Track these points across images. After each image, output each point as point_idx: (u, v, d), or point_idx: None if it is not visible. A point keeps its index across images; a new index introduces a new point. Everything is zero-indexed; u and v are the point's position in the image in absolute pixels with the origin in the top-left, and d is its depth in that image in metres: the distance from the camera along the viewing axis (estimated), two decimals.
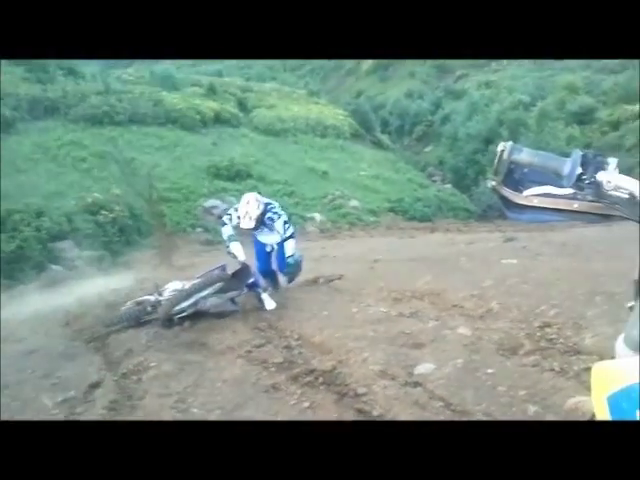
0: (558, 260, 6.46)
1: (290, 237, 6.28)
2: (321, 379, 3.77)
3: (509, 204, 1.92)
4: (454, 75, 48.66)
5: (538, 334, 4.05)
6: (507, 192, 1.91)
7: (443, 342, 4.20)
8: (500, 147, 1.84)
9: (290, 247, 6.23)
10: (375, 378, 3.60)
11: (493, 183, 1.86)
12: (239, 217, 5.91)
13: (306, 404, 3.40)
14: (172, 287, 5.94)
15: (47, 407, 3.89)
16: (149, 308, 5.86)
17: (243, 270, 5.93)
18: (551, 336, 3.97)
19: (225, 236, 6.03)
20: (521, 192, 1.91)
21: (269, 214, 6.07)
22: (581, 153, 1.65)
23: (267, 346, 4.72)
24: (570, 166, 1.66)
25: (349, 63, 58.96)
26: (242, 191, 21.71)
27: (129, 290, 9.33)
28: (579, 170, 1.61)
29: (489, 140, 27.64)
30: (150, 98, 29.25)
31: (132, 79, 36.13)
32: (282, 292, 6.72)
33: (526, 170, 1.92)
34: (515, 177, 1.93)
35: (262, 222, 6.04)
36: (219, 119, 29.90)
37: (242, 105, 33.72)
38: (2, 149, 21.16)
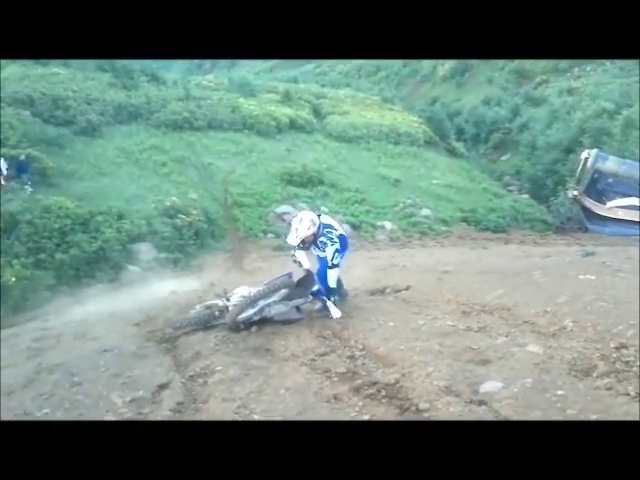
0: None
1: (335, 266, 6.18)
2: (383, 392, 3.72)
3: (591, 215, 1.82)
4: (534, 81, 47.33)
5: (614, 355, 3.84)
6: (589, 202, 1.81)
7: (512, 360, 4.05)
8: (584, 154, 1.75)
9: (331, 277, 6.16)
10: (439, 394, 3.51)
11: (575, 192, 1.77)
12: (291, 233, 6.05)
13: (366, 417, 3.36)
14: (240, 292, 6.03)
15: (116, 405, 4.02)
16: (217, 312, 5.97)
17: (307, 278, 5.98)
18: (628, 358, 3.75)
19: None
20: (604, 203, 1.80)
21: (323, 238, 6.06)
22: None
23: (331, 355, 4.71)
24: None
25: (425, 69, 58.41)
26: (314, 198, 22.11)
27: (202, 293, 9.57)
28: None
29: (570, 149, 26.74)
30: (228, 104, 30.06)
31: (211, 85, 37.19)
32: (348, 301, 6.70)
33: (611, 180, 1.81)
34: (598, 187, 1.82)
35: (314, 243, 6.09)
36: (293, 125, 30.31)
37: (316, 111, 34.06)
38: (88, 153, 22.23)
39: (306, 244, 6.07)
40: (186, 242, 17.49)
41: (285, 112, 31.08)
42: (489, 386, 3.56)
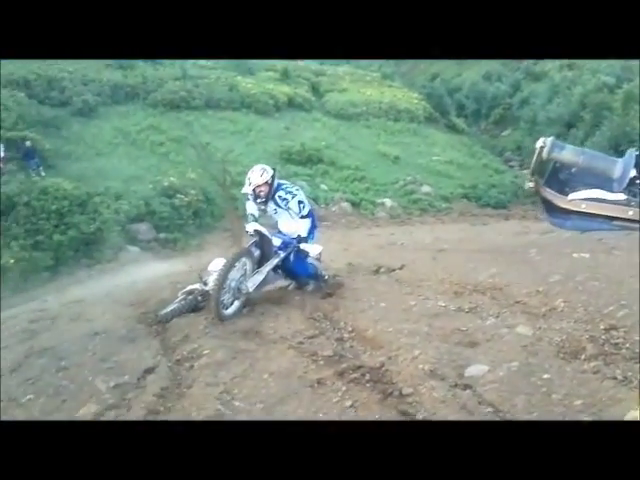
0: (635, 256, 6.07)
1: (306, 217, 6.22)
2: (368, 376, 3.67)
3: (552, 208, 1.75)
4: None
5: (603, 337, 3.78)
6: (550, 194, 1.74)
7: (500, 342, 3.99)
8: (539, 143, 1.68)
9: (304, 228, 6.17)
10: (424, 378, 3.46)
11: (530, 184, 1.70)
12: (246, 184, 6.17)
13: (349, 402, 3.31)
14: (214, 267, 5.93)
15: (100, 392, 3.99)
16: (199, 297, 5.91)
17: (261, 238, 5.92)
18: (617, 340, 3.69)
19: (247, 212, 6.28)
20: (566, 195, 1.73)
21: (281, 192, 6.15)
22: (636, 153, 1.47)
23: (319, 337, 4.66)
24: (622, 168, 1.47)
25: None
26: (313, 176, 22.03)
27: (200, 272, 9.53)
28: (633, 172, 1.43)
29: (571, 124, 26.55)
30: (225, 83, 29.81)
31: (209, 64, 36.69)
32: (342, 281, 6.66)
33: (574, 170, 1.74)
34: (560, 177, 1.75)
35: (273, 200, 6.15)
36: (292, 103, 30.08)
37: (315, 89, 33.75)
38: (85, 134, 22.11)
39: (262, 197, 6.11)
40: (185, 222, 17.50)
41: (283, 90, 30.79)
42: (474, 370, 3.51)
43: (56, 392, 4.11)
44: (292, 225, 6.18)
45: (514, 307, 4.85)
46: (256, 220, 6.13)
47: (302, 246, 6.04)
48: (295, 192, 6.21)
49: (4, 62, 25.84)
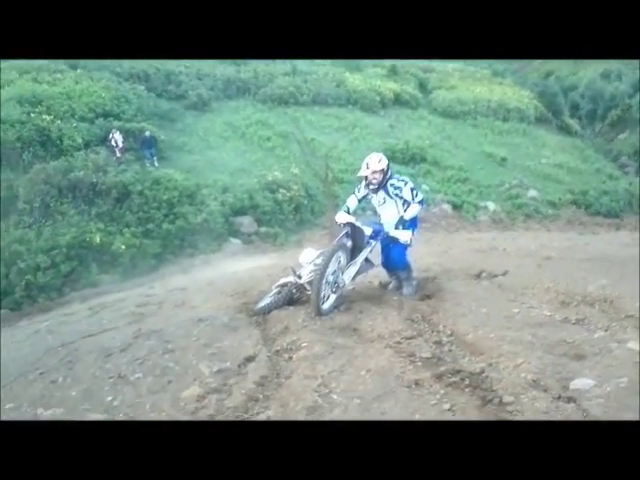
0: None
1: (419, 203, 6.16)
2: (467, 381, 3.62)
3: None
4: None
5: None
6: None
7: (609, 356, 3.81)
8: None
9: (410, 212, 6.11)
10: (526, 387, 3.37)
11: None
12: (361, 170, 6.12)
13: (447, 405, 3.28)
14: (306, 259, 6.01)
15: (204, 375, 4.18)
16: (294, 290, 6.00)
17: (354, 230, 5.90)
18: None
19: (346, 204, 6.29)
20: None
21: (394, 181, 6.12)
22: None
23: (418, 339, 4.64)
24: None
25: None
26: (415, 175, 21.81)
27: (293, 265, 9.73)
28: None
29: None
30: (333, 79, 30.10)
31: (318, 60, 37.22)
32: (441, 284, 6.58)
33: None
34: None
35: (385, 190, 6.11)
36: (398, 100, 29.92)
37: (422, 86, 33.40)
38: (197, 127, 23.06)
39: (374, 184, 6.10)
40: (286, 217, 17.86)
41: (390, 87, 30.67)
42: (580, 383, 3.37)
43: (162, 372, 4.35)
44: (396, 216, 6.16)
45: (625, 321, 4.61)
46: (349, 212, 6.17)
47: (392, 233, 6.02)
48: (407, 180, 6.21)
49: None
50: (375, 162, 6.04)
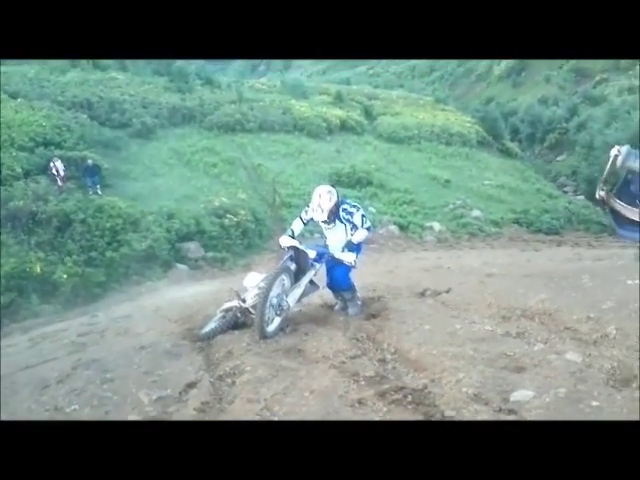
0: None
1: (367, 230, 6.19)
2: (410, 397, 3.60)
3: (621, 219, 1.68)
4: (593, 80, 45.81)
5: None
6: (620, 206, 1.68)
7: (547, 368, 3.86)
8: (614, 151, 1.62)
9: (357, 237, 6.11)
10: (467, 401, 3.37)
11: (602, 193, 1.64)
12: (313, 210, 6.09)
13: None
14: (250, 283, 5.97)
15: (143, 404, 4.04)
16: (239, 314, 5.91)
17: (297, 253, 5.91)
18: None
19: (291, 227, 6.31)
20: (638, 207, 1.67)
21: (346, 206, 6.12)
22: None
23: (362, 358, 4.61)
24: None
25: (480, 68, 57.48)
26: (362, 198, 22.02)
27: (237, 289, 9.63)
28: None
29: None
30: (280, 106, 30.36)
31: (264, 88, 37.56)
32: (387, 303, 6.60)
33: None
34: (631, 189, 1.69)
35: (337, 216, 6.10)
36: (344, 126, 30.34)
37: (368, 113, 33.95)
38: (142, 154, 22.80)
39: (330, 217, 6.07)
40: (233, 241, 17.73)
41: (336, 113, 31.10)
42: (520, 395, 3.40)
43: (100, 403, 4.18)
44: (343, 239, 6.16)
45: (564, 333, 4.70)
46: (293, 236, 6.14)
47: (337, 255, 6.03)
48: (359, 207, 6.23)
49: (69, 86, 27.08)
50: (327, 201, 6.00)
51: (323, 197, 6.02)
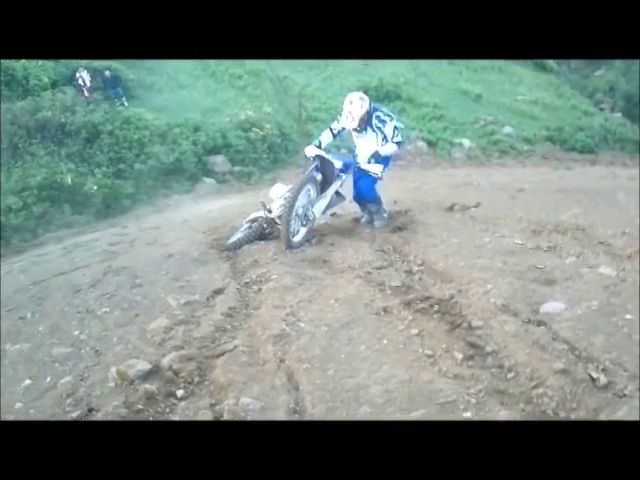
0: None
1: (397, 144, 6.00)
2: (436, 307, 3.58)
3: None
4: None
5: None
6: None
7: (580, 281, 3.79)
8: None
9: (386, 150, 5.93)
10: (495, 312, 3.33)
11: None
12: (345, 118, 5.92)
13: (415, 331, 3.24)
14: (275, 194, 5.94)
15: (171, 307, 4.10)
16: (265, 225, 5.88)
17: (323, 163, 5.81)
18: None
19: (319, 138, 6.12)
20: None
21: (379, 113, 5.93)
22: None
23: (388, 269, 4.58)
24: None
25: None
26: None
27: (263, 200, 9.64)
28: None
29: None
30: None
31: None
32: (414, 217, 6.52)
33: None
34: None
35: (369, 124, 5.93)
36: None
37: None
38: (167, 65, 22.33)
39: (361, 126, 5.92)
40: (260, 156, 17.54)
41: None
42: (550, 306, 3.34)
43: (130, 306, 4.27)
44: (373, 149, 5.97)
45: (597, 247, 4.60)
46: (320, 146, 5.99)
47: (363, 166, 5.90)
48: (393, 117, 6.03)
49: None
50: (358, 108, 5.81)
51: (355, 104, 5.83)
